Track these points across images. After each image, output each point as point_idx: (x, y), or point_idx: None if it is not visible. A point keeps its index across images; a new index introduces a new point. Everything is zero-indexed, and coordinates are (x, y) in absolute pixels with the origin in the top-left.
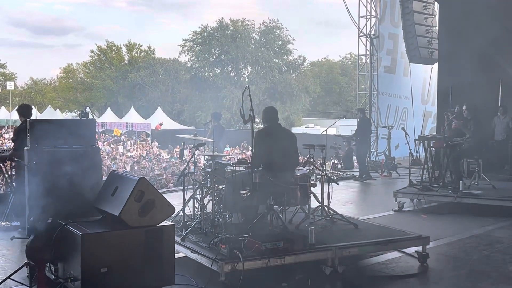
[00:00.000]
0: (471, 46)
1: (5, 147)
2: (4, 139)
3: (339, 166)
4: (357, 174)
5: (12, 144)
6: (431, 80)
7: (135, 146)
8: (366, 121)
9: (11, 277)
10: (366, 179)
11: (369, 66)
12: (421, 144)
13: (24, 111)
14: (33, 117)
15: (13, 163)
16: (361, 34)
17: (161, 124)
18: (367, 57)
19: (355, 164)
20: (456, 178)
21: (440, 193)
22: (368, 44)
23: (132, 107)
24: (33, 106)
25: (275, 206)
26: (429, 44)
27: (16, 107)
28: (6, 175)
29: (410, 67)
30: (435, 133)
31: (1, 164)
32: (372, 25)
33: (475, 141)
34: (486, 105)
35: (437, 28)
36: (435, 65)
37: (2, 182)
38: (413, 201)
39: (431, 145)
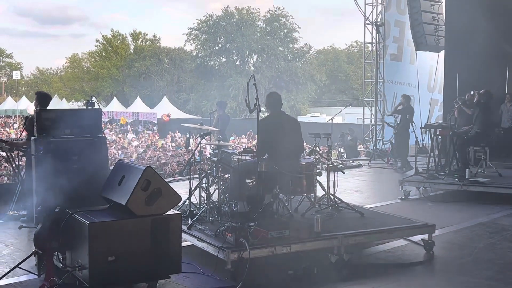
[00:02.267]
0: (478, 33)
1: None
2: (11, 129)
3: (345, 155)
4: (362, 162)
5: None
6: (438, 68)
7: (141, 135)
8: (410, 109)
9: (20, 266)
10: (407, 170)
11: (375, 54)
12: (427, 132)
13: (42, 99)
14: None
15: (22, 153)
16: (367, 21)
17: (168, 116)
18: (373, 45)
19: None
20: (463, 166)
21: (446, 181)
22: (374, 31)
23: (138, 97)
24: None
25: (281, 194)
26: (436, 31)
27: (37, 92)
28: (14, 165)
29: (416, 55)
30: (441, 121)
31: (10, 154)
32: (378, 12)
33: (477, 129)
34: (492, 93)
35: (444, 15)
36: (442, 53)
37: (10, 172)
38: (419, 189)
39: (438, 133)
